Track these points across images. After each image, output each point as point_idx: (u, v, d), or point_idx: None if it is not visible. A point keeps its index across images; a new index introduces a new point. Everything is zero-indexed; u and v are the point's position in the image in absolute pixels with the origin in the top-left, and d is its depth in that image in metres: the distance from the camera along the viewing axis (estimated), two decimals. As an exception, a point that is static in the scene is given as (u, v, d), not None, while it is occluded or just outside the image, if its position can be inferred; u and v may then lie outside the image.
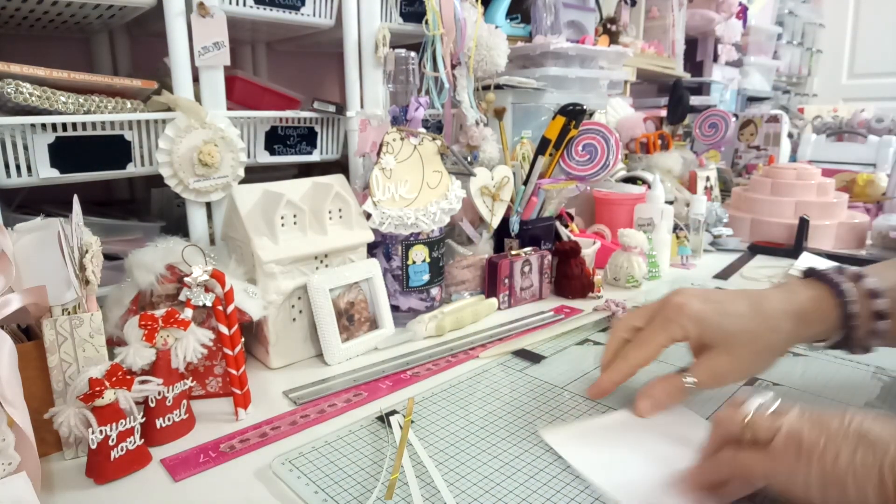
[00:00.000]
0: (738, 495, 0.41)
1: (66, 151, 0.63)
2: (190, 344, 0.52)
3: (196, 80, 0.70)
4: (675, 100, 1.46)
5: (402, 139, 0.75)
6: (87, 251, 0.49)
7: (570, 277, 0.89)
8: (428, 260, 0.77)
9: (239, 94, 0.86)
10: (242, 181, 0.73)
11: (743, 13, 2.06)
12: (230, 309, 0.55)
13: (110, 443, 0.45)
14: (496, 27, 0.96)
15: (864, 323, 0.50)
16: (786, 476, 0.37)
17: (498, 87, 0.99)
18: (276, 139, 0.81)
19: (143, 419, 0.48)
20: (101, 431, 0.44)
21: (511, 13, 1.13)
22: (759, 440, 0.39)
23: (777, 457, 0.38)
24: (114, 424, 0.45)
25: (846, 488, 0.35)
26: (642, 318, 0.54)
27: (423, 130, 0.77)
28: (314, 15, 0.81)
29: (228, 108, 0.73)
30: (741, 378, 0.52)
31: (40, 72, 0.60)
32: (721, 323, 0.50)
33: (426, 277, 0.77)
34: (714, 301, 0.51)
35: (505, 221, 0.92)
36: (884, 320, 0.50)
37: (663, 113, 1.52)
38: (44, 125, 0.61)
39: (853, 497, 0.35)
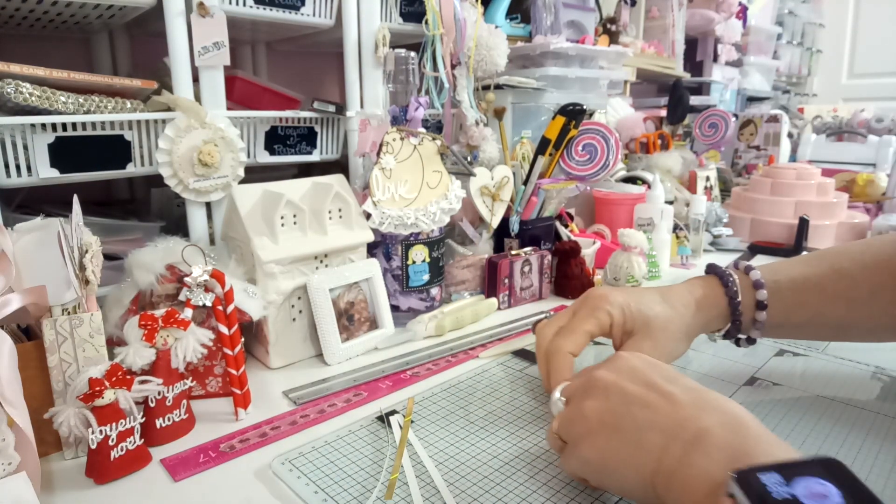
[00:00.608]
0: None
1: (66, 151, 0.63)
2: (190, 344, 0.52)
3: (196, 80, 0.70)
4: (675, 100, 1.46)
5: (401, 139, 0.75)
6: (87, 251, 0.49)
7: (570, 277, 0.89)
8: (428, 260, 0.77)
9: (239, 94, 0.86)
10: (242, 181, 0.73)
11: (743, 13, 2.06)
12: (230, 309, 0.55)
13: (110, 443, 0.45)
14: (496, 27, 0.96)
15: (748, 311, 0.55)
16: (580, 469, 0.41)
17: (498, 87, 0.99)
18: (276, 139, 0.81)
19: (143, 419, 0.48)
20: (100, 431, 0.44)
21: (511, 13, 1.12)
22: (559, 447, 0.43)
23: (572, 451, 0.41)
24: (114, 424, 0.45)
25: (615, 474, 0.38)
26: (566, 316, 0.55)
27: (423, 130, 0.77)
28: (314, 15, 0.81)
29: (228, 108, 0.73)
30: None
31: (40, 72, 0.60)
32: (641, 309, 0.53)
33: (426, 277, 0.77)
34: (630, 292, 0.55)
35: (505, 221, 0.92)
36: (763, 310, 0.55)
37: (663, 113, 1.52)
38: (44, 125, 0.60)
39: (617, 482, 0.39)
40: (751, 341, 0.58)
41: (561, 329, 0.54)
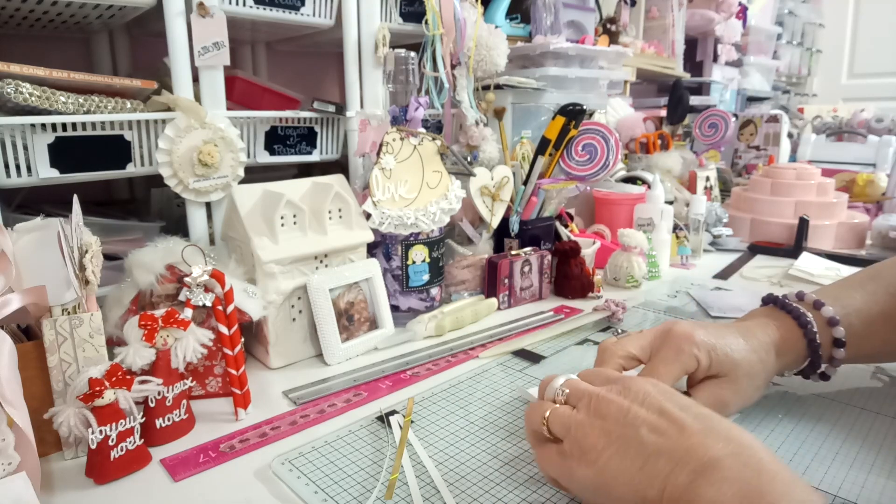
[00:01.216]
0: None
1: (66, 151, 0.63)
2: (190, 344, 0.52)
3: (196, 80, 0.70)
4: (674, 100, 1.46)
5: (401, 139, 0.75)
6: (86, 251, 0.49)
7: (569, 277, 0.89)
8: (428, 260, 0.77)
9: (239, 94, 0.86)
10: (242, 181, 0.73)
11: (743, 13, 2.06)
12: (230, 309, 0.55)
13: (110, 443, 0.45)
14: (496, 27, 0.96)
15: (826, 351, 0.53)
16: (568, 476, 0.39)
17: (498, 87, 0.99)
18: (275, 139, 0.81)
19: (143, 419, 0.48)
20: (100, 431, 0.44)
21: (511, 13, 1.13)
22: (555, 437, 0.40)
23: (566, 457, 0.39)
24: (114, 424, 0.45)
25: (612, 494, 0.36)
26: (638, 347, 0.50)
27: (423, 130, 0.77)
28: (314, 15, 0.81)
29: (228, 108, 0.73)
30: (740, 409, 0.52)
31: (40, 72, 0.60)
32: (728, 353, 0.49)
33: (426, 277, 0.77)
34: (711, 330, 0.50)
35: (505, 221, 0.92)
36: (841, 347, 0.52)
37: (663, 113, 1.52)
38: (44, 125, 0.60)
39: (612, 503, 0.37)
40: (824, 377, 0.54)
41: (645, 370, 0.49)
